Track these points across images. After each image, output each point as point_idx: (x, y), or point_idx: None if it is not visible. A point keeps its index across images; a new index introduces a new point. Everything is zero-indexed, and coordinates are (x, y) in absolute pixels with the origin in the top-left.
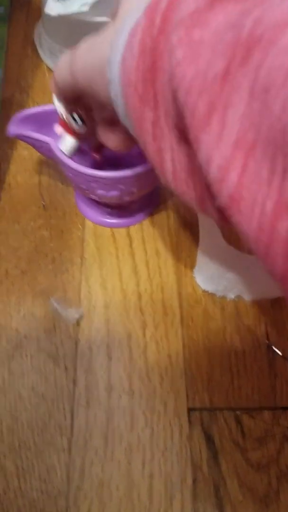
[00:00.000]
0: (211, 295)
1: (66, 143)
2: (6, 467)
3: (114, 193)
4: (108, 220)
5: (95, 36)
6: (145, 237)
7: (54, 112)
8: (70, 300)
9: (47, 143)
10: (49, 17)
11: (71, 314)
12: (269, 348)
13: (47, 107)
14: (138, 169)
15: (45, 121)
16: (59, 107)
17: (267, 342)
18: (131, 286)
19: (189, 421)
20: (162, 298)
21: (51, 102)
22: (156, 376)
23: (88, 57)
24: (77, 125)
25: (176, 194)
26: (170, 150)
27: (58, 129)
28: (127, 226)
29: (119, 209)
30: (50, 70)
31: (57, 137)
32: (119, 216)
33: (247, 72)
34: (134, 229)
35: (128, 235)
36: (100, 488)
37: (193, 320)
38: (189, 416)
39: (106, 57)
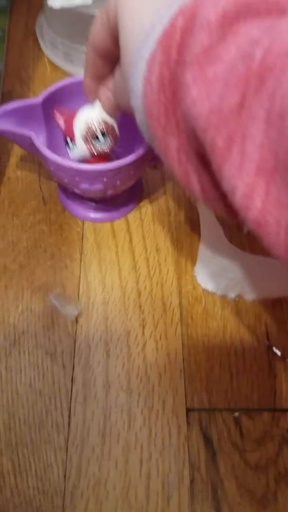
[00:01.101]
0: (212, 294)
1: None
2: (2, 464)
3: (98, 187)
4: (92, 215)
5: None
6: (145, 234)
7: (34, 106)
8: (69, 296)
9: (28, 137)
10: (51, 9)
11: (70, 310)
12: (269, 348)
13: (26, 101)
14: (120, 162)
15: (26, 115)
16: (83, 151)
17: (267, 342)
18: (131, 283)
19: (188, 422)
20: (161, 295)
21: None
22: (154, 375)
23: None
24: (103, 143)
25: (208, 208)
26: (196, 173)
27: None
28: (112, 220)
29: (103, 203)
30: (51, 62)
31: (38, 130)
32: (104, 210)
33: (261, 102)
34: (134, 225)
35: (128, 231)
36: (97, 487)
37: (192, 318)
38: (187, 417)
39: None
